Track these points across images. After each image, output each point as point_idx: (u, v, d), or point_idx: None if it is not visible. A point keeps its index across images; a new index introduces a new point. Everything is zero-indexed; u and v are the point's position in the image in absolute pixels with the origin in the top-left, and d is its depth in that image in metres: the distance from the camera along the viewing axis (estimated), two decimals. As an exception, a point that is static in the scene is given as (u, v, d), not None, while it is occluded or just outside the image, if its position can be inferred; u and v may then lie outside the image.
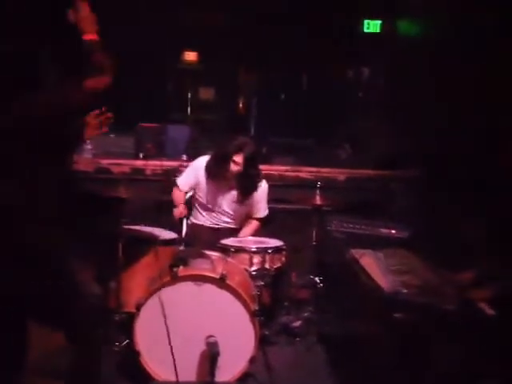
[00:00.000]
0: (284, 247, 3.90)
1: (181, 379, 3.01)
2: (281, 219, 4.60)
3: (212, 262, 3.35)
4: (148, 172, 5.03)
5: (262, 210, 4.28)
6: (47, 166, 2.47)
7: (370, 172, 5.32)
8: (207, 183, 4.19)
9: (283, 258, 3.88)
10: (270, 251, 3.77)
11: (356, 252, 3.34)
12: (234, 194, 4.20)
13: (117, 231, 3.46)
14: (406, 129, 5.38)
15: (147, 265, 3.55)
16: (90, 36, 2.52)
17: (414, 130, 5.21)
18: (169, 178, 4.56)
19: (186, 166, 4.56)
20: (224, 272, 3.16)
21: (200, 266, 3.32)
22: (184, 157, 5.27)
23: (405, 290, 2.65)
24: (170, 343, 3.01)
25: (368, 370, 2.91)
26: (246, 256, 3.72)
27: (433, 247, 3.24)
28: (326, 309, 4.01)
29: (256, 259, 3.72)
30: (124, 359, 3.34)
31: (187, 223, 4.18)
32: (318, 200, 4.12)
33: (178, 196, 4.22)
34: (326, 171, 5.22)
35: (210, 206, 4.24)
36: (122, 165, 5.02)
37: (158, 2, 6.97)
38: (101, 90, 2.48)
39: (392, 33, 6.69)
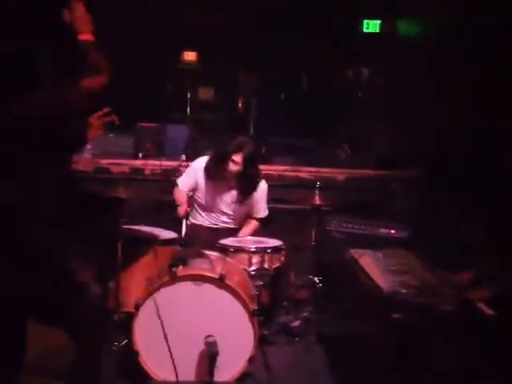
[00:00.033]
0: (283, 247, 3.90)
1: (180, 379, 3.02)
2: (280, 219, 4.60)
3: (211, 262, 3.35)
4: (147, 172, 5.04)
5: (262, 210, 4.28)
6: (47, 166, 2.47)
7: (370, 172, 5.32)
8: (206, 184, 4.19)
9: (282, 258, 3.88)
10: (269, 251, 3.77)
11: (355, 252, 3.34)
12: (233, 194, 4.20)
13: (116, 231, 3.46)
14: (406, 129, 5.39)
15: (146, 264, 3.55)
16: (86, 36, 2.52)
17: (413, 130, 5.21)
18: (168, 178, 4.57)
19: (185, 166, 4.56)
20: (223, 272, 3.16)
21: (199, 266, 3.32)
22: (183, 157, 5.27)
23: (404, 290, 2.65)
24: (167, 343, 3.01)
25: (367, 369, 2.91)
26: (245, 256, 3.72)
27: (432, 247, 3.24)
28: (325, 309, 4.01)
29: (255, 259, 3.72)
30: (123, 359, 3.34)
31: (186, 223, 4.18)
32: (317, 200, 4.12)
33: (180, 196, 4.22)
34: (325, 171, 5.22)
35: (209, 206, 4.24)
36: (122, 164, 5.02)
37: (158, 2, 6.98)
38: (97, 90, 2.48)
39: (392, 33, 6.70)
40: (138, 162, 5.16)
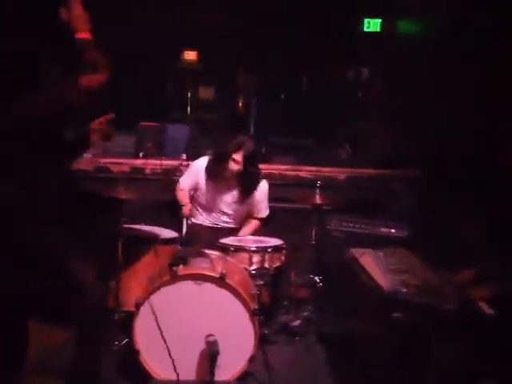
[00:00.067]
0: (284, 246, 3.90)
1: (180, 378, 3.01)
2: (281, 218, 4.60)
3: (212, 261, 3.35)
4: (148, 171, 5.03)
5: (263, 209, 4.28)
6: (47, 166, 2.47)
7: (371, 171, 5.32)
8: (207, 184, 4.19)
9: (283, 257, 3.88)
10: (269, 250, 3.77)
11: (356, 251, 3.34)
12: (233, 194, 4.20)
13: (116, 230, 3.46)
14: (405, 130, 5.39)
15: (147, 264, 3.55)
16: (83, 34, 2.53)
17: (412, 131, 5.21)
18: (168, 177, 4.57)
19: (185, 166, 4.56)
20: (224, 271, 3.16)
21: (200, 265, 3.32)
22: (184, 156, 5.27)
23: (404, 290, 2.66)
24: (165, 343, 3.01)
25: (367, 369, 2.91)
26: (245, 255, 3.72)
27: (433, 247, 3.24)
28: (325, 308, 4.01)
29: (255, 258, 3.72)
30: (123, 358, 3.34)
31: (187, 223, 4.18)
32: (317, 199, 4.12)
33: (183, 195, 4.22)
34: (326, 170, 5.22)
35: (209, 206, 4.24)
36: (122, 164, 5.01)
37: (158, 3, 6.98)
38: (96, 89, 2.48)
39: (391, 33, 6.70)
40: (139, 162, 5.15)
